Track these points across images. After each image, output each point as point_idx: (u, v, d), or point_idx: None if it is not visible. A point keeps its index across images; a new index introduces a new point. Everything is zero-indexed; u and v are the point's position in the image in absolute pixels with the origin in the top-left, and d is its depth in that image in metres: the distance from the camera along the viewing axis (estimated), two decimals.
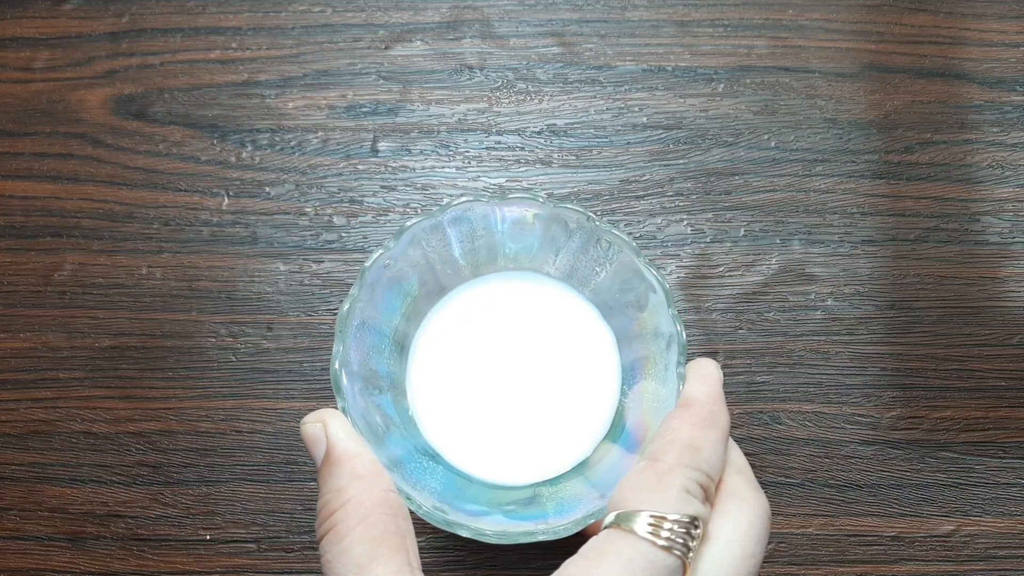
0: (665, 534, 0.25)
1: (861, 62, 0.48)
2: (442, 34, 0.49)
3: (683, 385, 0.30)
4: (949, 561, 0.42)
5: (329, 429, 0.28)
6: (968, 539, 0.42)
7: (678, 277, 0.45)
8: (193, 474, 0.43)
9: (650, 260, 0.45)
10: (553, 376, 0.36)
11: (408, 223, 0.32)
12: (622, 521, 0.26)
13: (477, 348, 0.36)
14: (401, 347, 0.36)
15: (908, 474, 0.43)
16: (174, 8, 0.49)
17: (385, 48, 0.49)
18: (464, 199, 0.33)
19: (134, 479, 0.43)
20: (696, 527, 0.26)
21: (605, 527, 0.26)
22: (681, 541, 0.25)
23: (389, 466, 0.30)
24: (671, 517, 0.25)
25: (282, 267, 0.45)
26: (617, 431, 0.35)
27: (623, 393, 0.36)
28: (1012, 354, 0.44)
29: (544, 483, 0.35)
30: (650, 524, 0.25)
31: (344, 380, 0.31)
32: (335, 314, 0.45)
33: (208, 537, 0.42)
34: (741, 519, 0.27)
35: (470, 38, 0.49)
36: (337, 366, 0.31)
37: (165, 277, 0.45)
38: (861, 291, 0.45)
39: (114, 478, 0.43)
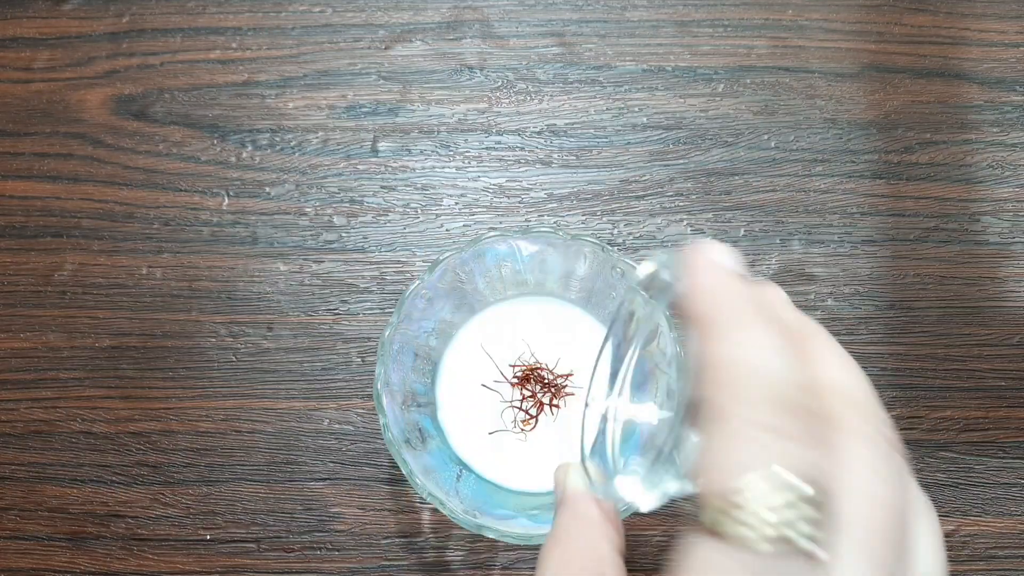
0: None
1: (861, 62, 0.48)
2: (442, 34, 0.49)
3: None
4: (949, 561, 0.42)
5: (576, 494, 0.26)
6: (968, 539, 0.42)
7: None
8: (193, 474, 0.43)
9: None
10: (574, 393, 0.39)
11: (441, 257, 0.37)
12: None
13: (499, 366, 0.40)
14: (435, 366, 0.40)
15: None
16: (174, 8, 0.49)
17: (385, 48, 0.49)
18: (491, 235, 0.37)
19: (134, 479, 0.43)
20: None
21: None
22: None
23: (426, 473, 0.34)
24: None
25: (282, 267, 0.45)
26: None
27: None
28: (1012, 354, 0.44)
29: None
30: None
31: (385, 400, 0.35)
32: (335, 314, 0.45)
33: (208, 537, 0.42)
34: (848, 451, 0.18)
35: (470, 38, 0.49)
36: (379, 387, 0.35)
37: (165, 277, 0.45)
38: (861, 291, 0.45)
39: (114, 478, 0.43)
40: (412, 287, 0.37)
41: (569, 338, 0.40)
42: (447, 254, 0.37)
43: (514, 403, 0.39)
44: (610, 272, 0.38)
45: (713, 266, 0.20)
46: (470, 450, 0.39)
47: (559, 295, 0.41)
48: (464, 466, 0.39)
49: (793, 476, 0.16)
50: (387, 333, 0.36)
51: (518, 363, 0.39)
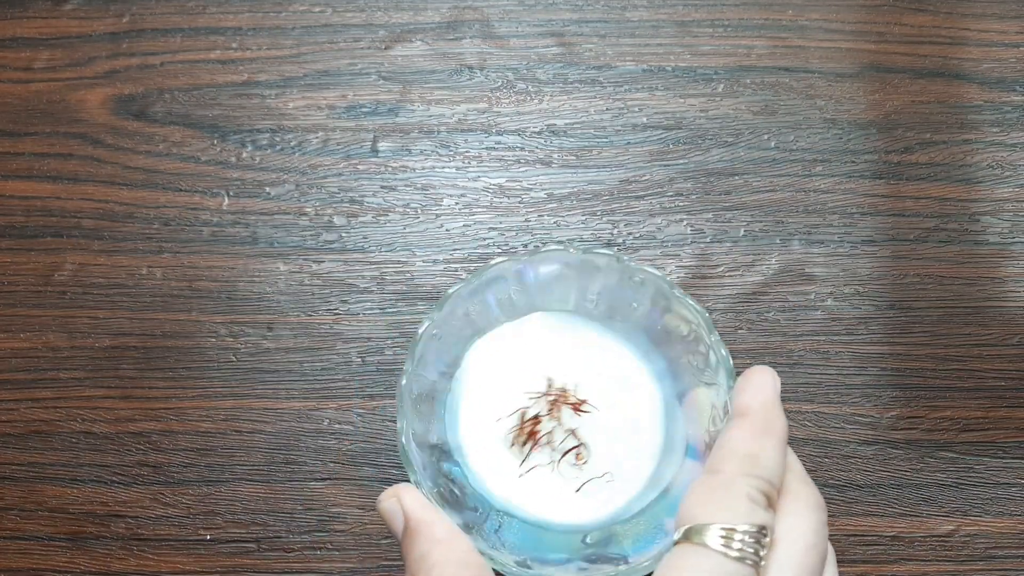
0: (737, 545, 0.25)
1: (861, 62, 0.48)
2: (442, 34, 0.49)
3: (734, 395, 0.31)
4: (949, 561, 0.42)
5: (405, 502, 0.30)
6: (968, 539, 0.42)
7: (678, 277, 0.45)
8: (193, 474, 0.43)
9: (657, 258, 0.45)
10: (600, 413, 0.36)
11: (449, 291, 0.34)
12: (693, 536, 0.26)
13: (520, 397, 0.36)
14: (456, 407, 0.37)
15: (908, 474, 0.43)
16: (174, 8, 0.49)
17: (385, 48, 0.49)
18: (499, 260, 0.35)
19: (134, 479, 0.43)
20: (764, 535, 0.26)
21: (676, 543, 0.27)
22: (752, 551, 0.25)
23: (466, 528, 0.31)
24: (741, 528, 0.26)
25: (282, 267, 0.45)
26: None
27: (672, 417, 0.36)
28: (1012, 354, 0.44)
29: (618, 521, 0.35)
30: (721, 536, 0.25)
31: (413, 453, 0.32)
32: (335, 314, 0.45)
33: (208, 537, 0.42)
34: (797, 514, 0.27)
35: (470, 38, 0.49)
36: (404, 441, 0.32)
37: (165, 277, 0.45)
38: (861, 291, 0.45)
39: (114, 478, 0.43)
40: (423, 328, 0.34)
41: (591, 358, 0.37)
42: (454, 287, 0.35)
43: (540, 435, 0.36)
44: (628, 281, 0.36)
45: (768, 386, 0.30)
46: (506, 492, 0.36)
47: (576, 313, 0.38)
48: (503, 512, 0.35)
49: (752, 522, 0.26)
50: (403, 381, 0.33)
51: (549, 391, 0.36)
